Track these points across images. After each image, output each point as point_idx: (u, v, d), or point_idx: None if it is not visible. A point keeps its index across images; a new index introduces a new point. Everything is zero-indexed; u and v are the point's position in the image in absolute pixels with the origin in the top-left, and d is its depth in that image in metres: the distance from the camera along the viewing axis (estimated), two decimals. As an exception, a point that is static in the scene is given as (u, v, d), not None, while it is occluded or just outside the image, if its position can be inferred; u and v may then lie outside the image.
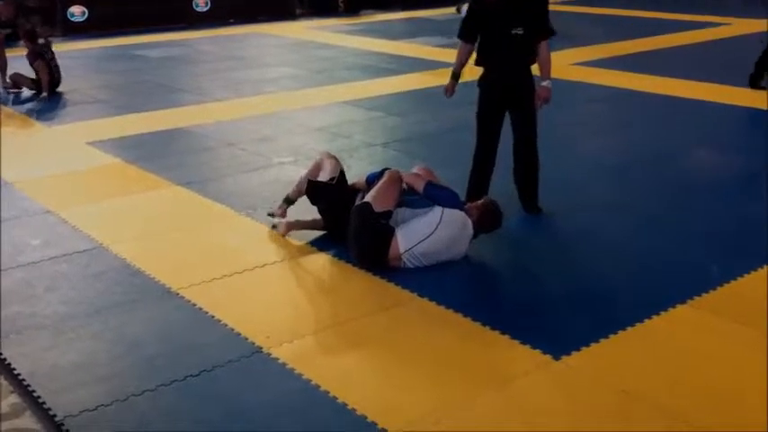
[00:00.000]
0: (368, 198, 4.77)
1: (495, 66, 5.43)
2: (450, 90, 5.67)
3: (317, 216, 5.19)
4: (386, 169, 4.99)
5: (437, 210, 4.71)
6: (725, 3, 17.25)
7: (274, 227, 5.25)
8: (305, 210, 5.29)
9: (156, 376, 3.64)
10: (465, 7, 15.77)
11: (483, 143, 5.59)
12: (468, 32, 5.53)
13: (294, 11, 17.56)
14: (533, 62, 5.43)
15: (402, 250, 4.62)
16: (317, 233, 5.19)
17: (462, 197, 5.21)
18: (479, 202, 4.95)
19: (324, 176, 5.14)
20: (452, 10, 16.61)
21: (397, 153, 7.10)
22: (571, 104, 8.56)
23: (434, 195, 4.82)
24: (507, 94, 5.45)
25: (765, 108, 8.43)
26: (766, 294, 4.34)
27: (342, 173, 5.18)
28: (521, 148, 5.58)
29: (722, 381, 3.59)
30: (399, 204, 4.83)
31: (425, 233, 4.63)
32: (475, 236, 4.86)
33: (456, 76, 5.65)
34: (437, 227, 4.64)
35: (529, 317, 4.27)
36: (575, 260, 4.91)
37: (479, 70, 5.55)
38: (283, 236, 5.15)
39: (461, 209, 4.81)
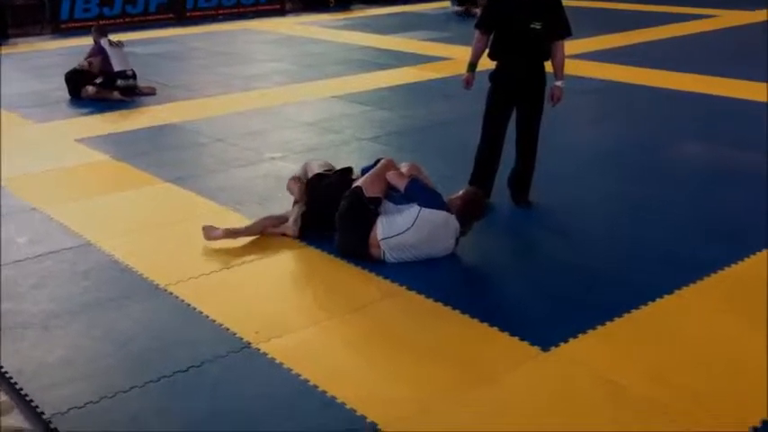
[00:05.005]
0: (359, 183, 4.80)
1: (510, 59, 5.40)
2: (469, 82, 5.59)
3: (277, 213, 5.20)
4: (380, 159, 5.03)
5: (414, 209, 4.69)
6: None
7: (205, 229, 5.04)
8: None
9: (145, 372, 3.63)
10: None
11: (489, 138, 5.55)
12: (486, 23, 5.49)
13: (284, 6, 17.53)
14: (547, 59, 5.43)
15: (380, 238, 4.64)
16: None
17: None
18: (460, 192, 4.91)
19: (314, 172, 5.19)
20: (443, 4, 16.53)
21: (387, 147, 7.08)
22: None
23: (414, 195, 4.78)
24: (519, 89, 5.43)
25: (754, 99, 8.45)
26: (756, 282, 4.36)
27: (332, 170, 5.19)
28: (523, 143, 5.57)
29: (712, 370, 3.59)
30: (386, 196, 4.84)
31: (401, 228, 4.64)
32: (464, 232, 4.84)
33: (473, 66, 5.58)
34: (413, 224, 4.63)
35: (517, 309, 4.28)
36: (563, 251, 4.91)
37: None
38: (210, 239, 4.99)
39: (443, 207, 4.76)
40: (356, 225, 4.71)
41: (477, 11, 15.48)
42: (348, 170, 5.19)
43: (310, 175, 5.19)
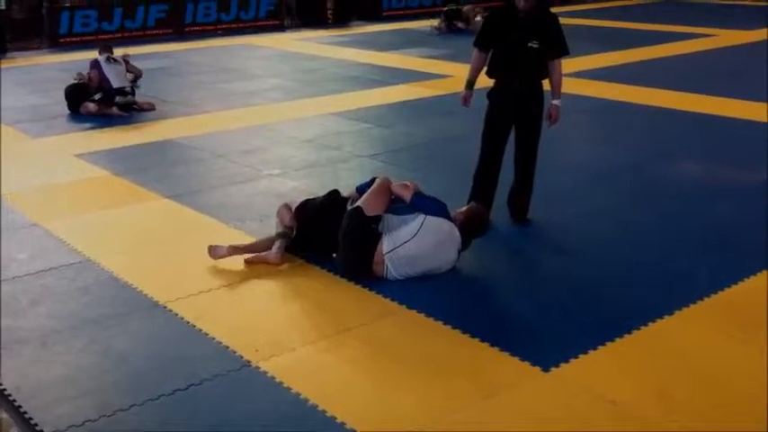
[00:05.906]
0: (359, 203, 4.81)
1: (507, 77, 5.42)
2: (467, 99, 5.61)
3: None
4: (375, 178, 5.04)
5: (420, 217, 4.73)
6: (711, 15, 17.41)
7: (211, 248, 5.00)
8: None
9: (144, 390, 3.61)
10: (438, 22, 15.97)
11: (488, 156, 5.57)
12: (484, 41, 5.51)
13: (283, 22, 17.61)
14: (544, 77, 5.45)
15: (385, 251, 4.65)
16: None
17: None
18: (464, 207, 4.95)
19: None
20: (437, 22, 16.51)
21: (386, 164, 7.10)
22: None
23: (420, 205, 4.83)
24: (517, 108, 5.45)
25: (754, 119, 8.49)
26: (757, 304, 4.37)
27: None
28: (522, 162, 5.58)
29: (712, 391, 3.59)
30: (387, 211, 4.85)
31: (407, 237, 4.66)
32: (465, 246, 4.85)
33: (471, 85, 5.60)
34: (418, 231, 4.66)
35: (518, 328, 4.28)
36: (563, 270, 4.91)
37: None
38: (216, 257, 4.96)
39: (447, 217, 4.80)
40: (360, 245, 4.71)
41: (461, 24, 15.71)
42: (334, 192, 5.18)
43: (297, 203, 5.17)
